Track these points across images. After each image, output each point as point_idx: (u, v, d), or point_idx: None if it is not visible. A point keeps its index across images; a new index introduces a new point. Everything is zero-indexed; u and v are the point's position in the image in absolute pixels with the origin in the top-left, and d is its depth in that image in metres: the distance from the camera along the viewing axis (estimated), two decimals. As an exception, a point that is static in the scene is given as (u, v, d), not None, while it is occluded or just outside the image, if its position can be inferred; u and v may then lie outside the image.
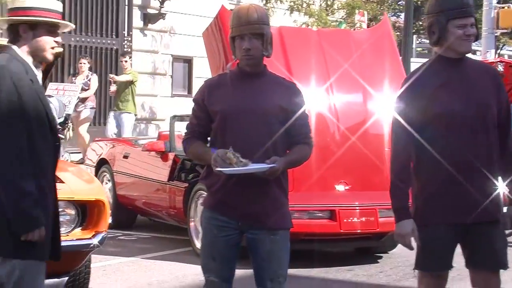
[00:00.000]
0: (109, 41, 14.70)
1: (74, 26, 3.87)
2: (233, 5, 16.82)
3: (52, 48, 3.58)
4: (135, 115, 12.88)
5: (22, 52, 3.56)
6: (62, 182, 5.24)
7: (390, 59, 7.83)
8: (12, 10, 3.64)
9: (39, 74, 3.61)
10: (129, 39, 14.98)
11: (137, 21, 15.19)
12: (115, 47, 14.79)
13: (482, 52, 18.68)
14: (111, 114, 12.79)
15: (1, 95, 3.38)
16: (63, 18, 3.69)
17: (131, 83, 12.47)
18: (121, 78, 12.53)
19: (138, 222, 9.26)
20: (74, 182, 5.37)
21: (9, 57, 3.56)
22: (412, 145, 3.78)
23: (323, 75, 7.47)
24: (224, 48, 7.37)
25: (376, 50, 7.79)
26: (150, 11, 15.34)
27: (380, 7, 15.76)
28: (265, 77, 3.95)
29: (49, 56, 3.60)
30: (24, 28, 3.56)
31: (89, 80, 12.28)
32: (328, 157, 7.10)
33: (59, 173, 5.47)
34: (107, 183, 9.13)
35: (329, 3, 14.20)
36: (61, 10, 3.67)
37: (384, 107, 7.48)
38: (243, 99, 3.87)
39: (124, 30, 14.91)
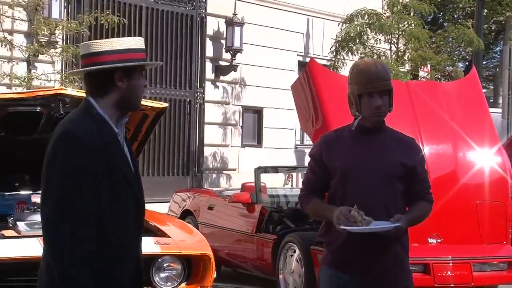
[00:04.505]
0: (182, 93, 14.92)
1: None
2: (301, 57, 17.00)
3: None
4: None
5: (106, 105, 2.94)
6: (168, 236, 5.28)
7: (479, 110, 7.77)
8: (95, 55, 2.95)
9: (121, 130, 3.01)
10: (202, 90, 15.18)
11: (209, 73, 15.41)
12: (188, 99, 15.00)
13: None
14: None
15: (58, 168, 2.80)
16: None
17: None
18: None
19: (222, 273, 9.25)
20: (180, 236, 5.37)
21: (80, 117, 2.91)
22: None
23: (412, 126, 7.42)
24: (314, 100, 7.38)
25: (465, 102, 7.75)
26: (221, 63, 15.55)
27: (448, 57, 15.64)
28: (384, 133, 3.90)
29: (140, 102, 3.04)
30: (120, 75, 2.95)
31: None
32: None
33: (163, 227, 5.54)
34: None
35: (399, 54, 14.16)
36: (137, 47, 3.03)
37: (474, 158, 7.42)
38: (364, 155, 3.81)
39: (197, 82, 15.12)
